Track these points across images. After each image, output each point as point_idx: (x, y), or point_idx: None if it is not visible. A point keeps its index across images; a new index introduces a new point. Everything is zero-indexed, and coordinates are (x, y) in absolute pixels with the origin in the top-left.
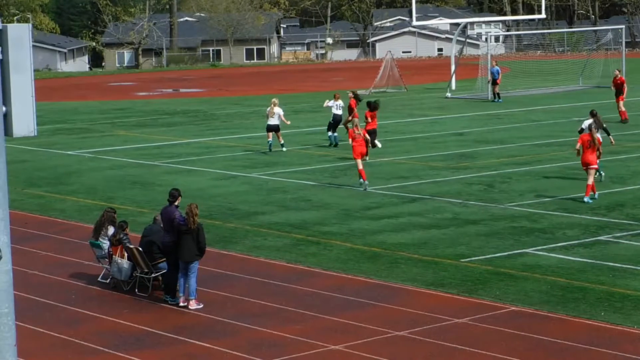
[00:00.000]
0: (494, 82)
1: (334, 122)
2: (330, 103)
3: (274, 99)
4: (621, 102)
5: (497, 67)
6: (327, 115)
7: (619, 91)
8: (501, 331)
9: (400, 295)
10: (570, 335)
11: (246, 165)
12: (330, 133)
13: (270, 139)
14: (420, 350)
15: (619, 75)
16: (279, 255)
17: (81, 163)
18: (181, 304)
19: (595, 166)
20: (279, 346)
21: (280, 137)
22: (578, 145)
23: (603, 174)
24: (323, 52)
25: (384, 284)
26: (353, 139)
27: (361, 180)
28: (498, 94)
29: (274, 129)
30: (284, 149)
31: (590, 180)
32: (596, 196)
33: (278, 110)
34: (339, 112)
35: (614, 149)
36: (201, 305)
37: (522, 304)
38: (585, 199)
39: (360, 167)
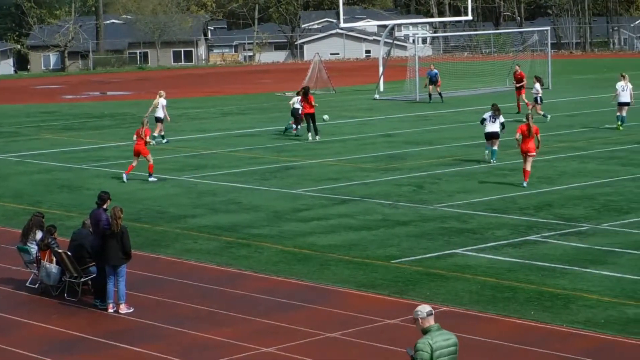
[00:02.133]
0: (432, 82)
1: (293, 115)
2: (294, 100)
3: (160, 91)
4: (523, 95)
5: (435, 71)
6: (258, 116)
7: (519, 85)
8: None
9: (332, 297)
10: (500, 335)
11: (175, 168)
12: (292, 124)
13: (156, 133)
14: (352, 352)
15: (519, 70)
16: (210, 258)
17: (7, 167)
18: (110, 311)
19: (534, 153)
20: (211, 349)
21: (161, 130)
22: (517, 135)
23: (493, 158)
24: (251, 54)
25: (315, 285)
26: (138, 137)
27: (125, 174)
28: (440, 93)
29: (159, 120)
30: (152, 142)
31: (528, 167)
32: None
33: (162, 101)
34: (298, 106)
35: (541, 149)
36: (132, 310)
37: (453, 304)
38: (524, 184)
39: (134, 164)
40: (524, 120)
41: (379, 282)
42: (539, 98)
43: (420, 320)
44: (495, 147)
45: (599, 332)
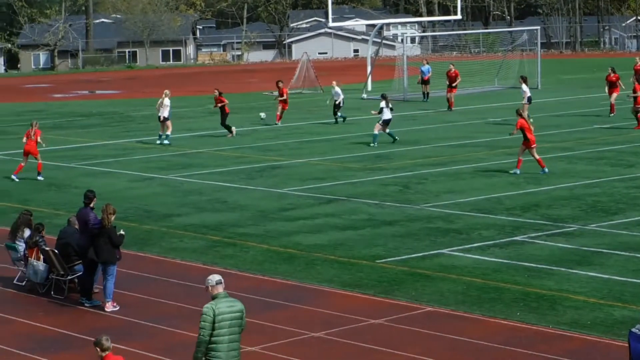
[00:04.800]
0: (424, 82)
1: (335, 106)
2: (336, 89)
3: (165, 90)
4: (453, 94)
5: (428, 66)
6: (245, 116)
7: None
8: (417, 332)
9: (317, 297)
10: (486, 336)
11: (162, 167)
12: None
13: (161, 132)
14: (336, 351)
15: (453, 69)
16: (195, 257)
17: None
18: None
19: (535, 145)
20: (194, 347)
21: (166, 129)
22: (516, 131)
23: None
24: (239, 53)
25: (300, 285)
26: (28, 138)
27: (14, 175)
28: (427, 93)
29: (164, 119)
30: (166, 141)
31: (537, 155)
32: (547, 170)
33: (166, 101)
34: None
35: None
36: (117, 308)
37: (438, 304)
38: (546, 170)
39: (24, 164)
40: (517, 115)
41: (364, 281)
42: (527, 98)
43: (210, 288)
44: (387, 131)
45: (585, 333)
